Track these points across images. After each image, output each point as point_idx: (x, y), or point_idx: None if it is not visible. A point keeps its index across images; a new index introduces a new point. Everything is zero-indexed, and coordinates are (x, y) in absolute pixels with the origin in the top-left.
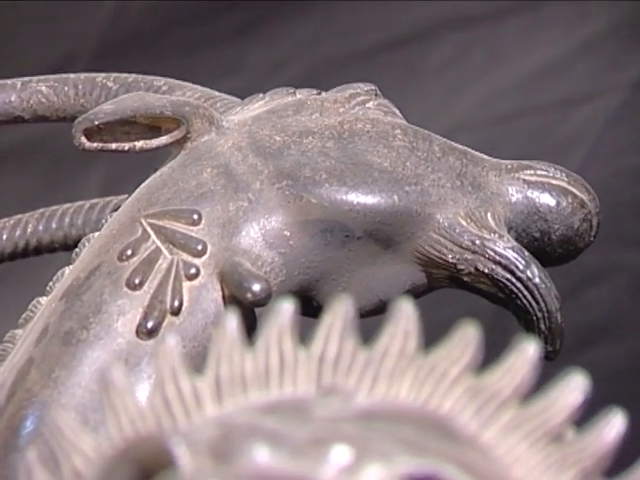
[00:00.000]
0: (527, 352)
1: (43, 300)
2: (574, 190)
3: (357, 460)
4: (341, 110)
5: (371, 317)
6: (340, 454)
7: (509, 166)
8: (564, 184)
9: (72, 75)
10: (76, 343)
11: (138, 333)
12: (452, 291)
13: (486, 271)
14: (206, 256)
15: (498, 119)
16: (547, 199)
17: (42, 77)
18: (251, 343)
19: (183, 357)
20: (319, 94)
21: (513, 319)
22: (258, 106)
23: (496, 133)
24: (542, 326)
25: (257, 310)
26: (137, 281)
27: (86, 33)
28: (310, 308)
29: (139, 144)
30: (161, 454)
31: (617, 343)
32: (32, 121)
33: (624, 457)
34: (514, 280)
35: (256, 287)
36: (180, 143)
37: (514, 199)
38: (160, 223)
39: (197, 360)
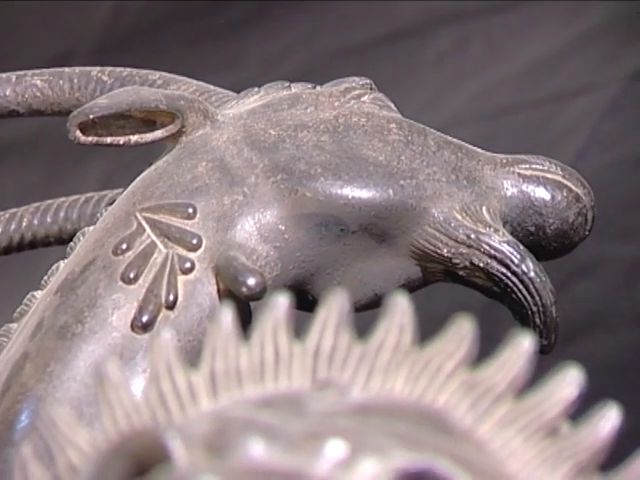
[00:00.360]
0: (522, 346)
1: (38, 294)
2: (569, 184)
3: (352, 454)
4: (336, 104)
5: (366, 311)
6: (335, 448)
7: (504, 160)
8: (559, 178)
9: (67, 69)
10: (71, 337)
11: (133, 327)
12: (443, 285)
13: (481, 265)
14: (201, 250)
15: (495, 113)
16: (542, 193)
17: (37, 71)
18: (246, 337)
19: (178, 351)
20: (314, 88)
21: (505, 312)
22: (253, 100)
23: (492, 126)
24: (537, 320)
25: (252, 304)
26: (132, 275)
27: (86, 28)
28: (305, 302)
29: (134, 138)
30: (156, 448)
31: (607, 336)
32: (27, 115)
33: (616, 450)
34: (509, 274)
35: (251, 281)
36: (175, 137)
37: (509, 193)
38: (155, 217)
39: (192, 354)
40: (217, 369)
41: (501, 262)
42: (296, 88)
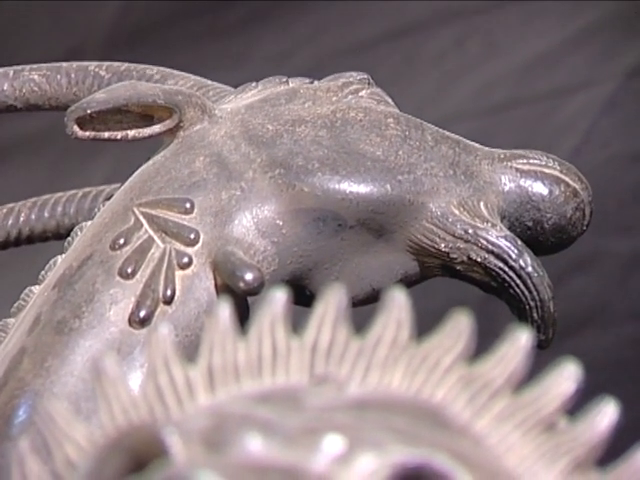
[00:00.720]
0: (520, 341)
1: (35, 289)
2: (567, 179)
3: (350, 449)
4: (334, 99)
5: (364, 306)
6: (333, 443)
7: (502, 155)
8: (557, 173)
9: (65, 64)
10: (69, 332)
11: (131, 322)
12: (441, 280)
13: (479, 260)
14: (199, 245)
15: (494, 108)
16: (540, 188)
17: (35, 66)
18: (244, 332)
19: (176, 346)
20: (312, 83)
21: (502, 307)
22: (251, 95)
23: (492, 122)
24: (535, 315)
25: (250, 299)
26: (129, 270)
27: (94, 26)
28: (303, 297)
29: (131, 133)
30: (154, 443)
31: (603, 330)
32: (25, 110)
33: (613, 446)
34: (507, 269)
35: (249, 276)
36: (173, 132)
37: (507, 188)
38: (153, 212)
39: (190, 349)
40: (214, 364)
41: (499, 257)
42: (294, 83)
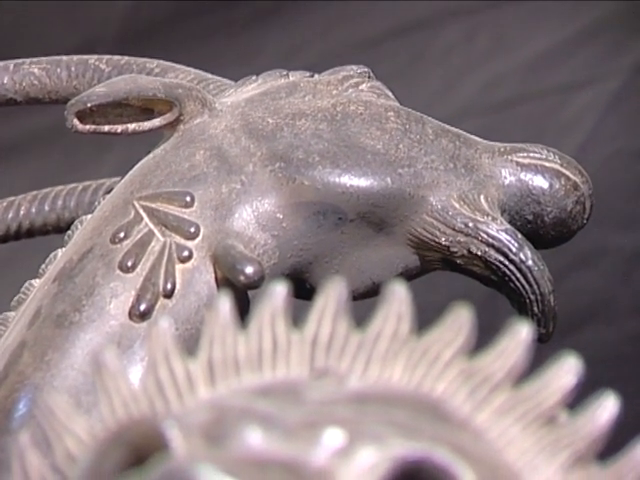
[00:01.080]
0: (520, 335)
1: (36, 282)
2: (567, 172)
3: (350, 443)
4: (334, 92)
5: (364, 300)
6: (333, 437)
7: (502, 149)
8: (557, 166)
9: (64, 57)
10: (69, 325)
11: (131, 316)
12: (444, 273)
13: (479, 254)
14: (199, 238)
15: (501, 104)
16: (540, 181)
17: (35, 59)
18: (244, 326)
19: (176, 340)
20: (312, 76)
21: (506, 301)
22: (251, 88)
23: (499, 118)
24: (535, 309)
25: (250, 293)
26: (130, 264)
27: (106, 21)
28: (303, 291)
29: (132, 126)
30: (154, 437)
31: (606, 326)
32: (25, 103)
33: (615, 440)
34: (507, 262)
35: (249, 269)
36: (173, 125)
37: (507, 181)
38: (153, 205)
39: (190, 343)
40: (215, 358)
41: (499, 250)
42: (294, 76)
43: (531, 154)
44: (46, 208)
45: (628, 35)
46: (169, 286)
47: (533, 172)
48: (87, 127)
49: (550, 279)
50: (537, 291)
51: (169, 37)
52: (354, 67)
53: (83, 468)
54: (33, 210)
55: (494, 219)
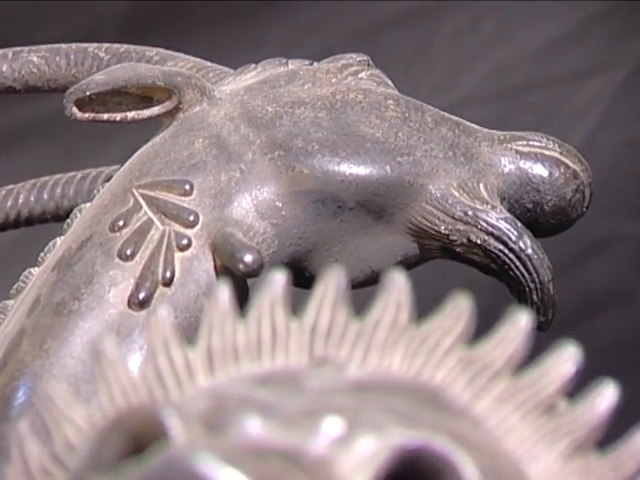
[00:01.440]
0: (519, 323)
1: (35, 271)
2: (567, 161)
3: (349, 431)
4: (333, 80)
5: (363, 288)
6: (332, 425)
7: (502, 137)
8: (557, 155)
9: (64, 45)
10: (68, 314)
11: (130, 304)
12: (452, 262)
13: (478, 242)
14: (198, 227)
15: (507, 93)
16: (540, 170)
17: (34, 47)
18: (243, 314)
19: (175, 328)
20: (311, 64)
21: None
22: (250, 76)
23: (505, 106)
24: (535, 297)
25: (249, 281)
26: (129, 252)
27: (110, 9)
28: (302, 279)
29: (131, 114)
30: (153, 425)
31: (621, 313)
32: (24, 92)
33: (620, 428)
34: (507, 251)
35: (248, 258)
36: (172, 114)
37: (507, 170)
38: (152, 194)
39: (189, 331)
40: (214, 346)
41: (498, 239)
42: (293, 64)
43: (530, 142)
44: (45, 196)
45: (637, 22)
46: (168, 274)
47: (533, 160)
48: (86, 115)
49: (550, 267)
50: (536, 279)
51: (172, 26)
52: (353, 55)
53: (82, 456)
54: (32, 198)
55: (493, 207)
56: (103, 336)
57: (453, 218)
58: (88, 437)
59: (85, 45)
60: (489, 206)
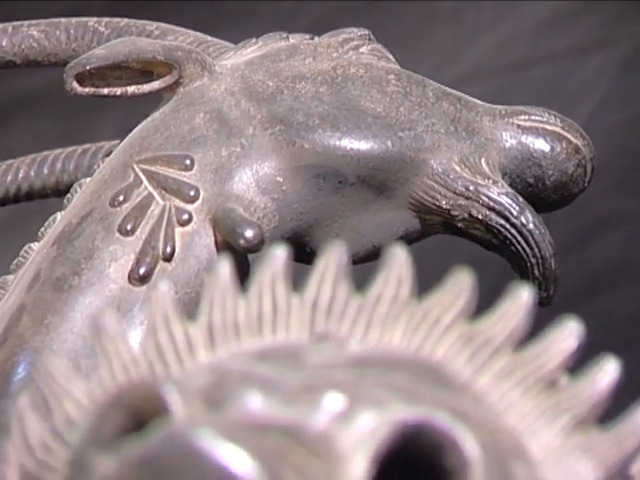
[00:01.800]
0: (521, 298)
1: (35, 246)
2: (568, 135)
3: (350, 407)
4: (334, 55)
5: (364, 263)
6: (333, 401)
7: (503, 111)
8: (558, 129)
9: (63, 20)
10: (68, 289)
11: (130, 279)
12: (455, 238)
13: (480, 217)
14: (198, 202)
15: (510, 67)
16: (541, 145)
17: (34, 21)
18: (244, 289)
19: (175, 303)
20: (312, 39)
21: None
22: (251, 51)
23: (508, 81)
24: (536, 272)
25: (250, 256)
26: (129, 227)
27: None
28: (303, 254)
29: (131, 89)
30: (154, 401)
31: (623, 290)
32: (24, 66)
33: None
34: (508, 226)
35: (249, 233)
36: (172, 88)
37: (508, 145)
38: (152, 169)
39: (190, 306)
40: (214, 321)
41: (500, 214)
42: (294, 39)
43: (532, 117)
44: (45, 171)
45: None
46: (169, 249)
47: (534, 135)
48: (86, 90)
49: (551, 242)
50: (538, 255)
51: None
52: (354, 29)
53: (82, 432)
54: (32, 173)
55: (495, 182)
56: (103, 311)
57: (454, 193)
58: (88, 412)
59: (85, 19)
60: (491, 181)
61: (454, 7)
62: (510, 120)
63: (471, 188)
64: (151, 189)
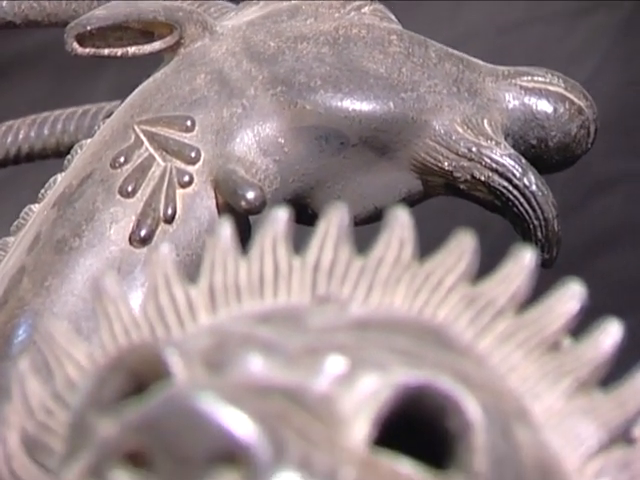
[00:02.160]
0: (523, 260)
1: (35, 207)
2: (571, 96)
3: (352, 370)
4: (336, 15)
5: (366, 225)
6: (335, 364)
7: (506, 72)
8: (561, 90)
9: None
10: (68, 251)
11: (131, 241)
12: (457, 200)
13: (482, 179)
14: (200, 163)
15: (510, 27)
16: (544, 106)
17: None
18: (245, 252)
19: (176, 265)
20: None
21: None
22: (252, 11)
23: (508, 41)
24: (539, 234)
25: (251, 218)
26: (130, 189)
27: None
28: (305, 216)
29: (132, 50)
30: (154, 363)
31: (626, 251)
32: (24, 26)
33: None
34: (511, 188)
35: (250, 195)
36: (173, 49)
37: (511, 106)
38: (153, 130)
39: (191, 269)
40: (216, 284)
41: (502, 175)
42: None
43: (535, 78)
44: (45, 132)
45: None
46: (170, 211)
47: (537, 96)
48: (87, 50)
49: (554, 204)
50: (541, 216)
51: None
52: None
53: (83, 394)
54: (32, 134)
55: (498, 144)
56: (104, 273)
57: (457, 154)
58: (89, 374)
59: None
60: (493, 142)
61: None
62: (513, 81)
63: (473, 149)
64: (152, 150)
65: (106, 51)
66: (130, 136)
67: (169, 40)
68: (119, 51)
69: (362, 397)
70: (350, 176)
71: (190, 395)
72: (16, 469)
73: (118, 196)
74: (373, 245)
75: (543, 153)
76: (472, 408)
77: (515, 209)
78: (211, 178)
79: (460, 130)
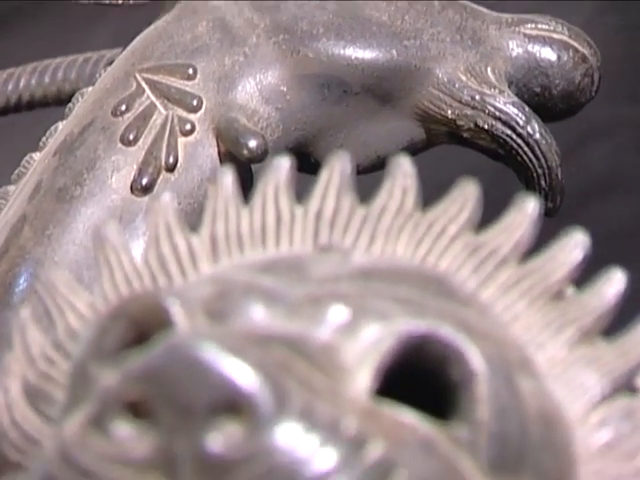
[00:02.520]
0: (527, 209)
1: (36, 156)
2: (575, 44)
3: (354, 319)
4: None
5: (368, 174)
6: (337, 313)
7: (509, 20)
8: (565, 38)
9: None
10: (70, 199)
11: (132, 189)
12: (454, 148)
13: (486, 127)
14: (201, 112)
15: None
16: (548, 53)
17: None
18: (247, 200)
19: (178, 214)
20: None
21: (514, 176)
22: None
23: None
24: (542, 182)
25: (253, 167)
26: (131, 137)
27: None
28: (307, 164)
29: None
30: (156, 313)
31: (620, 199)
32: None
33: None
34: (514, 136)
35: (252, 143)
36: None
37: (515, 53)
38: (155, 78)
39: (192, 217)
40: (218, 232)
41: (506, 124)
42: None
43: (539, 25)
44: (46, 80)
45: None
46: (171, 160)
47: (541, 44)
48: None
49: (558, 153)
50: (544, 165)
51: None
52: None
53: (84, 343)
54: (33, 82)
55: (501, 92)
56: (105, 222)
57: (460, 102)
58: (90, 323)
59: None
60: (497, 90)
61: None
62: (516, 29)
63: (477, 97)
64: (153, 98)
65: None
66: (131, 84)
67: None
68: None
69: (364, 346)
70: (353, 124)
71: (192, 344)
72: (17, 418)
73: (119, 144)
74: (376, 194)
75: (547, 101)
76: (475, 357)
77: (518, 157)
78: (213, 126)
79: (463, 78)
